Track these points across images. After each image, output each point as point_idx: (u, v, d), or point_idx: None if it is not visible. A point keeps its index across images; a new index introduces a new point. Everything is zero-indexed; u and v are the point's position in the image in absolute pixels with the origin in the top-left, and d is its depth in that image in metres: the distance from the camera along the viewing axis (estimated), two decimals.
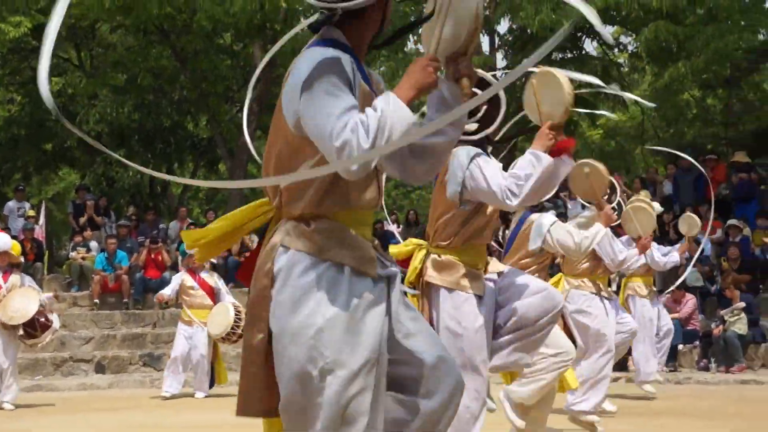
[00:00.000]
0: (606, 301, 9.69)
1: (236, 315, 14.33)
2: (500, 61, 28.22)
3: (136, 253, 21.77)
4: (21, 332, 13.26)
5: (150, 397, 15.05)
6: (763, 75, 32.63)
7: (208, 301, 14.91)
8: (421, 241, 6.04)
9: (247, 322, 3.74)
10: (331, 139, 3.26)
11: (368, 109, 3.29)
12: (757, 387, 16.07)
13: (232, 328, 14.22)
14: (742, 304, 17.71)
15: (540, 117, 5.94)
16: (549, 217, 7.87)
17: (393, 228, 23.74)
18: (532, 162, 5.59)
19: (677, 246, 13.96)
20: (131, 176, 30.69)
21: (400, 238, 22.11)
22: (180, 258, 20.51)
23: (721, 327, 17.68)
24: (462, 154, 5.62)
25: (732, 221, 20.62)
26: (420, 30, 3.86)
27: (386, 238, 22.58)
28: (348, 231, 3.59)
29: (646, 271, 13.00)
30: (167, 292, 15.23)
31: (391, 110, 3.26)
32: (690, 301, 18.27)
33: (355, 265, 3.54)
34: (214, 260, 16.07)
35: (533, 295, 5.86)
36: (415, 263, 5.88)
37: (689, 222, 13.67)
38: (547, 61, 24.90)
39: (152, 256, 21.16)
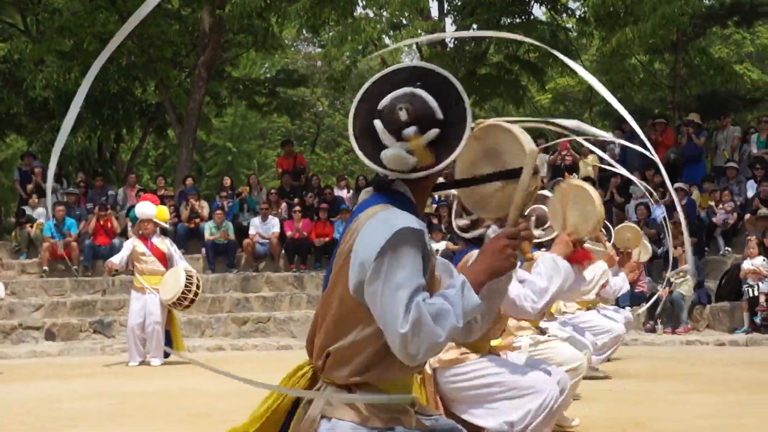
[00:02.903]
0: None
1: (187, 280, 14.34)
2: (449, 26, 28.25)
3: (85, 220, 21.66)
4: None
5: (104, 365, 15.05)
6: (709, 40, 32.98)
7: (161, 267, 14.83)
8: None
9: None
10: (396, 323, 3.07)
11: (440, 299, 3.12)
12: (702, 347, 16.37)
13: (183, 293, 14.23)
14: (688, 267, 17.97)
15: (564, 225, 5.93)
16: None
17: (343, 193, 23.80)
18: (554, 267, 5.61)
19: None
20: (79, 143, 30.38)
21: (349, 204, 22.19)
22: (130, 225, 20.44)
23: (667, 289, 17.94)
24: None
25: (678, 184, 20.85)
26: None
27: (336, 203, 22.63)
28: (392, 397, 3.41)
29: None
30: (116, 260, 14.99)
31: (465, 303, 3.11)
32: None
33: (404, 428, 3.37)
34: (167, 225, 15.94)
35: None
36: None
37: (630, 236, 12.00)
38: (496, 26, 25.01)
39: (101, 222, 21.06)
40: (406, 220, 3.18)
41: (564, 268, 5.69)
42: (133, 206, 17.31)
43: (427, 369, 5.74)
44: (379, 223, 3.19)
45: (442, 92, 3.27)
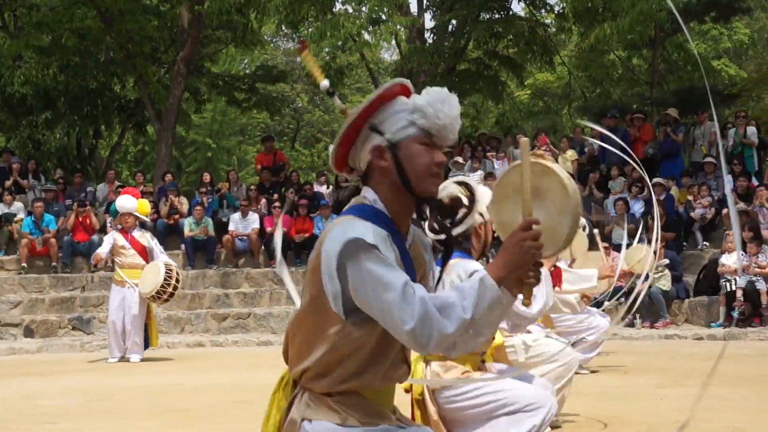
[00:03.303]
0: None
1: (167, 273, 14.33)
2: (428, 21, 28.29)
3: (63, 217, 21.60)
4: None
5: (86, 361, 15.02)
6: (686, 35, 33.09)
7: (141, 261, 14.82)
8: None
9: None
10: (398, 325, 3.08)
11: (449, 292, 3.14)
12: (681, 341, 16.47)
13: (162, 287, 14.23)
14: (666, 261, 18.07)
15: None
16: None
17: (322, 189, 23.80)
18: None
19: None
20: (58, 139, 30.27)
21: (329, 200, 22.18)
22: (109, 220, 20.38)
23: (645, 283, 18.01)
24: (461, 268, 5.46)
25: (657, 179, 20.94)
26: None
27: (316, 199, 22.63)
28: (372, 404, 3.42)
29: None
30: (103, 251, 15.02)
31: (480, 294, 3.09)
32: (616, 258, 18.54)
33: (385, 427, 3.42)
34: (147, 219, 15.94)
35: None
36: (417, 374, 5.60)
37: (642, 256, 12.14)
38: (474, 21, 25.04)
39: (80, 219, 21.00)
40: (360, 231, 3.15)
41: (546, 278, 5.80)
42: (112, 202, 17.33)
43: (426, 391, 5.61)
44: (335, 235, 3.19)
45: None
